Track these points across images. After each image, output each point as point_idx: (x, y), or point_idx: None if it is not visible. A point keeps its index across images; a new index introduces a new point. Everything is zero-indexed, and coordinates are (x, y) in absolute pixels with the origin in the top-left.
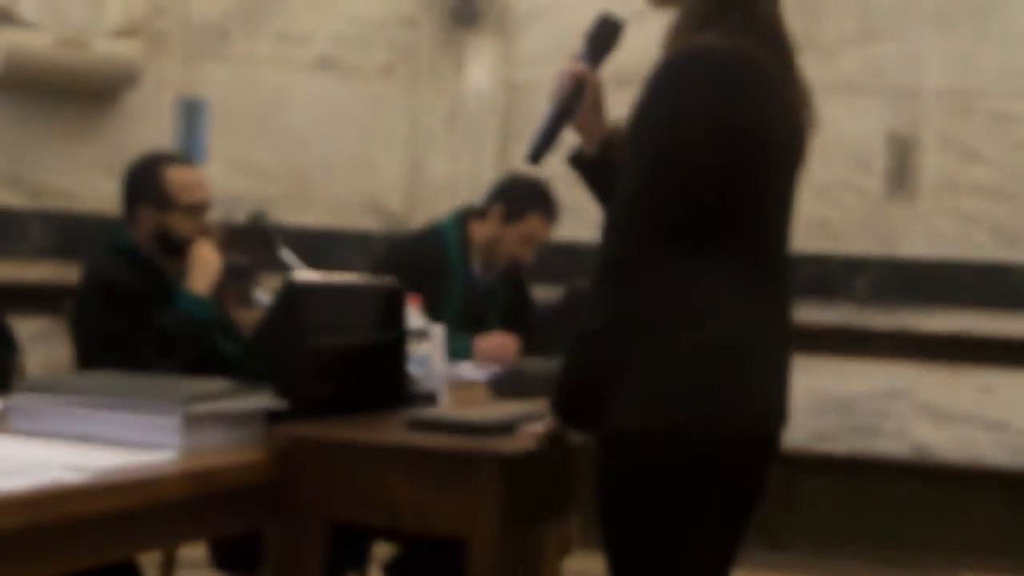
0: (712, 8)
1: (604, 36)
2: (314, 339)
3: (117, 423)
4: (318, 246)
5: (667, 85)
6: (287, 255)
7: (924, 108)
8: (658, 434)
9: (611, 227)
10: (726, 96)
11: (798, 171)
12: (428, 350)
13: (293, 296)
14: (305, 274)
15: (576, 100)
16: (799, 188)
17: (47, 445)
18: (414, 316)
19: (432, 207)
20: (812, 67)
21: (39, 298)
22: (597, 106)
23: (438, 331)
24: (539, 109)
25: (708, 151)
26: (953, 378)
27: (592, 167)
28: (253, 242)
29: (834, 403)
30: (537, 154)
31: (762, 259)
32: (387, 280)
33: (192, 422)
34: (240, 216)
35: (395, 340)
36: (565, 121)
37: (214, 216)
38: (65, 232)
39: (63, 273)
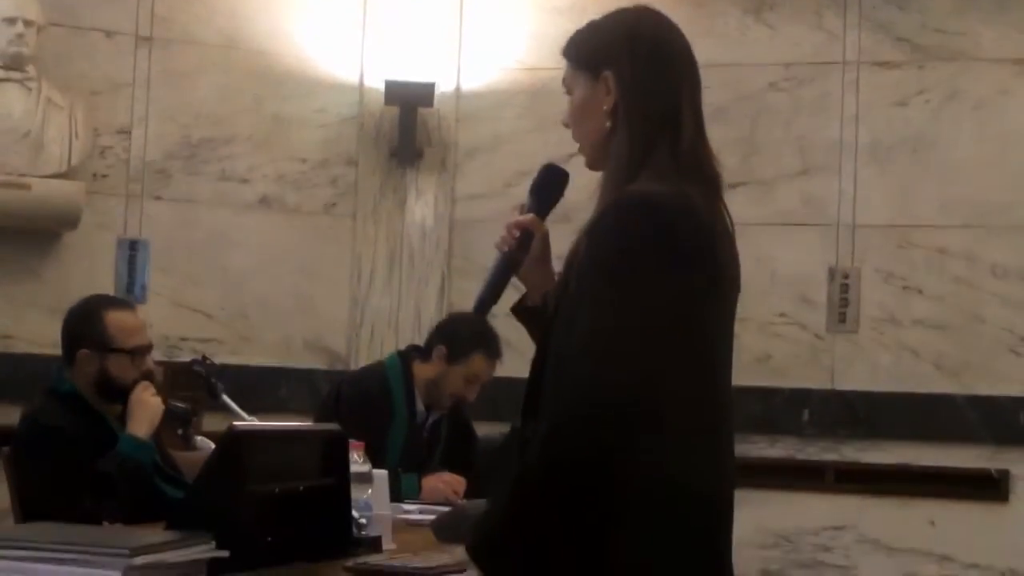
0: (638, 152)
1: (549, 186)
2: (255, 487)
3: None
4: (261, 385)
5: (613, 230)
6: (227, 399)
7: (863, 242)
8: None
9: (569, 375)
10: (675, 237)
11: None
12: (372, 495)
13: (234, 444)
14: (246, 422)
15: (522, 251)
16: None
17: None
18: (357, 461)
19: (375, 345)
20: (752, 203)
21: None
22: (544, 257)
23: (381, 476)
24: (481, 245)
25: (666, 284)
26: (898, 511)
27: (535, 316)
28: (194, 385)
29: (779, 537)
30: (483, 306)
31: (713, 408)
32: (329, 426)
33: (134, 575)
34: (182, 357)
35: (338, 486)
36: (511, 272)
37: (155, 358)
38: (3, 373)
39: (2, 415)
